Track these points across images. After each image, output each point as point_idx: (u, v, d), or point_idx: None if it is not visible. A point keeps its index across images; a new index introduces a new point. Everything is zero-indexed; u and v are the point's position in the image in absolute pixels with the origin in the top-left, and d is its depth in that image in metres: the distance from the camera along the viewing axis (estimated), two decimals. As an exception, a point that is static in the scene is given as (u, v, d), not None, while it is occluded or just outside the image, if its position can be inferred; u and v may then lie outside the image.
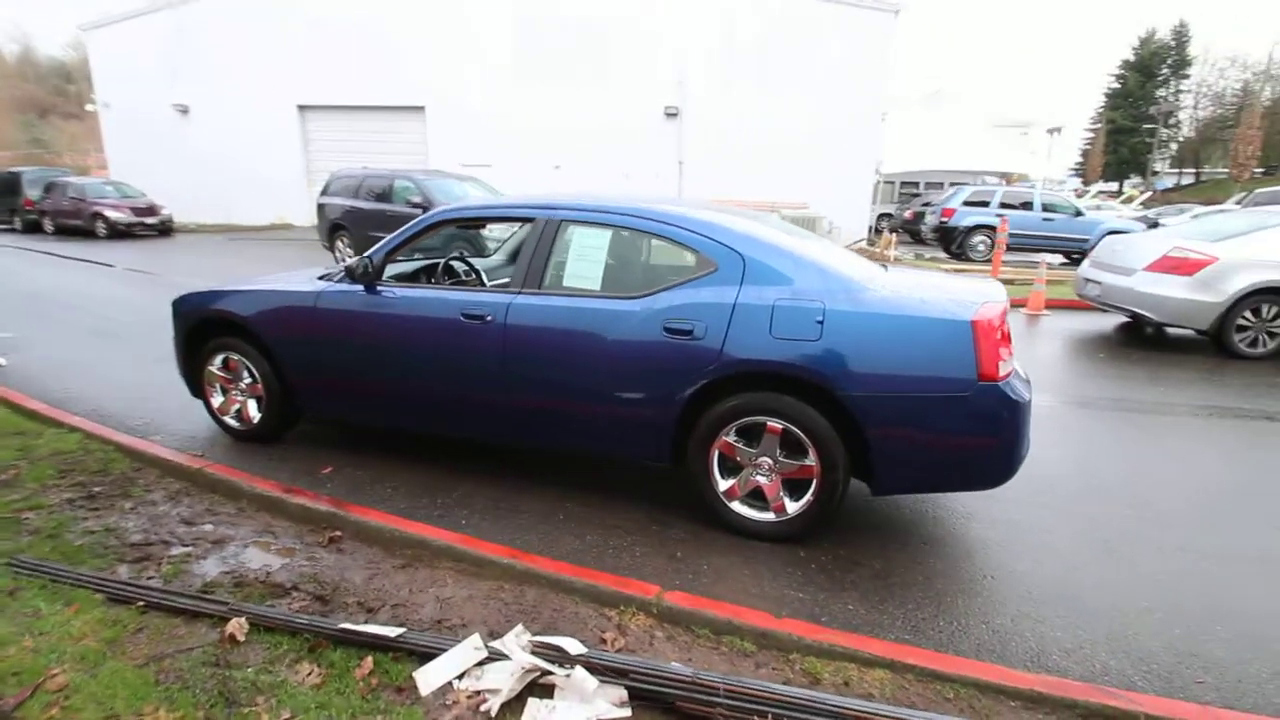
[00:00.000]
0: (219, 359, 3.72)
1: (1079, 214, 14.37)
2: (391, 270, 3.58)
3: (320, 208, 11.61)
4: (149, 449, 3.48)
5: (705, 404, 2.78)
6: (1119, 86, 67.76)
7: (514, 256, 4.70)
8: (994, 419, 2.51)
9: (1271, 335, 6.08)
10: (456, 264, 3.90)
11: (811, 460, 2.69)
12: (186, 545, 2.63)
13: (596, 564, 2.62)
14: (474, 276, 4.06)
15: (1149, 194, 37.35)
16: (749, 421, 2.73)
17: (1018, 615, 2.37)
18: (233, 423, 3.79)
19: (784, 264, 2.74)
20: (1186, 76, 65.70)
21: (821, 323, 2.58)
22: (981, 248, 14.06)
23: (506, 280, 4.48)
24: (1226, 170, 58.94)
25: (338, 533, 2.71)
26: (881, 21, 16.19)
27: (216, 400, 3.81)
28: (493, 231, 5.67)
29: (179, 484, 3.16)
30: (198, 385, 3.83)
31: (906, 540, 2.91)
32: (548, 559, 2.54)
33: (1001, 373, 2.50)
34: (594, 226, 3.02)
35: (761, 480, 2.81)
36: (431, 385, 3.20)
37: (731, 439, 2.78)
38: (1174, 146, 65.43)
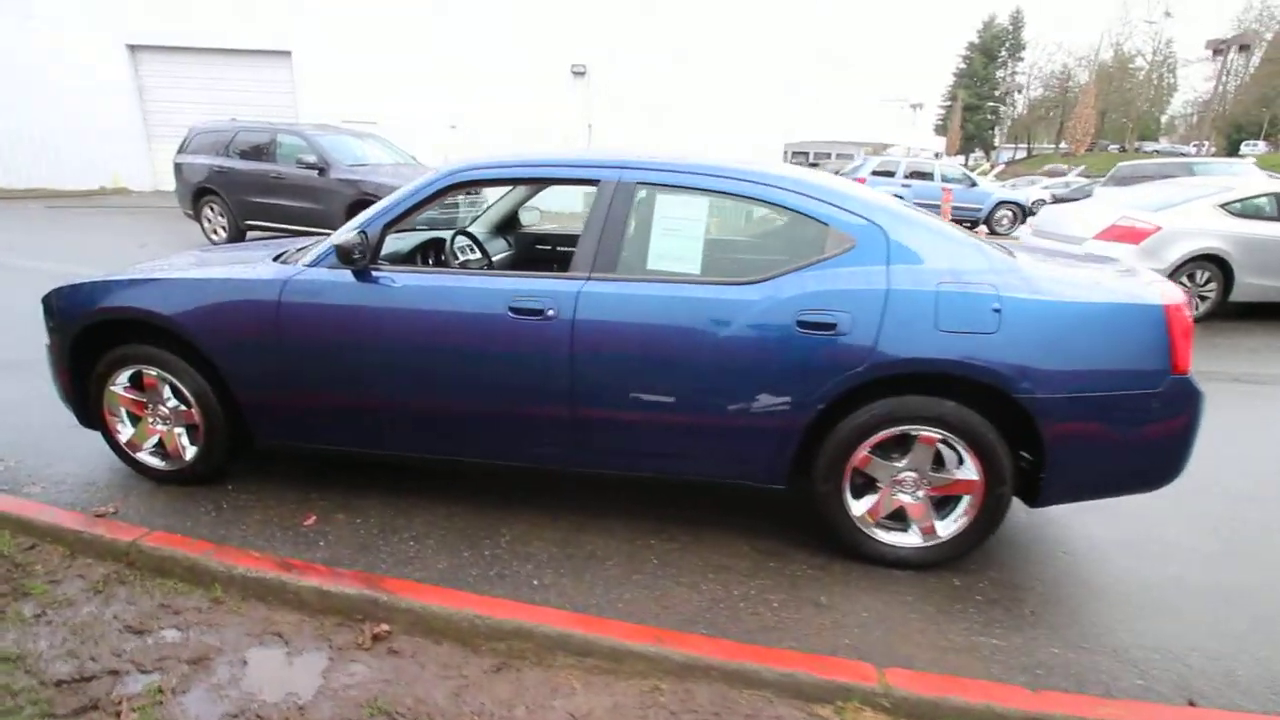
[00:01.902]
0: (125, 375, 2.67)
1: (974, 185, 15.20)
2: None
3: (178, 168, 9.65)
4: (40, 514, 2.40)
5: (841, 412, 2.26)
6: (965, 66, 73.88)
7: (501, 229, 3.90)
8: (1181, 415, 2.20)
9: (1203, 299, 6.51)
10: (454, 241, 3.05)
11: (972, 474, 2.26)
12: (149, 672, 1.73)
13: (733, 623, 2.05)
14: (479, 256, 3.24)
15: (1000, 167, 41.04)
16: (896, 432, 2.25)
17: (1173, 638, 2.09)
18: (152, 461, 2.77)
19: (929, 239, 2.25)
20: (1022, 59, 72.62)
21: (999, 311, 2.12)
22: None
23: (502, 252, 3.68)
24: (1052, 146, 66.39)
25: (384, 627, 1.91)
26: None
27: (124, 432, 2.76)
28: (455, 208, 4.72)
29: (104, 567, 2.16)
30: (92, 411, 2.75)
31: (1040, 550, 2.58)
32: (708, 638, 1.92)
33: (1190, 364, 2.18)
34: (685, 192, 2.36)
35: (905, 499, 2.35)
36: (462, 400, 2.42)
37: (868, 452, 2.29)
38: (1008, 123, 72.58)
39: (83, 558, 2.21)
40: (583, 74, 16.12)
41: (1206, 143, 40.37)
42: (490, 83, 15.85)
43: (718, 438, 2.33)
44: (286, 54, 16.16)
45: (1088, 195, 16.64)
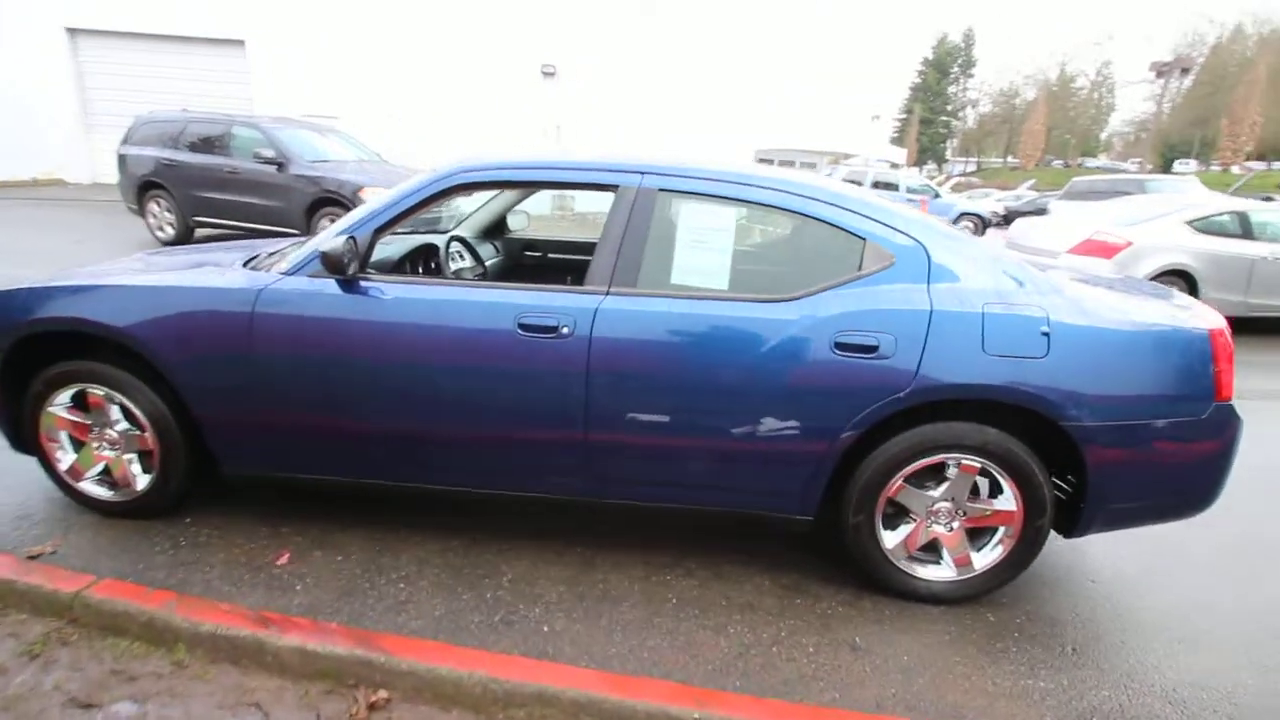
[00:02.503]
0: (66, 395, 2.34)
1: (937, 195, 15.51)
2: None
3: (122, 160, 9.01)
4: (-44, 557, 2.06)
5: (876, 440, 2.11)
6: (920, 81, 76.23)
7: (488, 235, 3.65)
8: (1222, 441, 2.12)
9: (1170, 314, 6.66)
10: (449, 248, 2.81)
11: (1010, 504, 2.14)
12: (99, 760, 1.46)
13: (768, 672, 1.88)
14: (471, 263, 3.00)
15: (956, 179, 42.33)
16: (934, 461, 2.11)
17: None
18: (98, 491, 2.44)
19: (971, 258, 2.12)
20: (973, 76, 75.32)
21: (1047, 335, 2.00)
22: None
23: (489, 259, 3.41)
24: (1000, 160, 68.96)
25: (381, 694, 1.66)
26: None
27: (64, 459, 2.42)
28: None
29: (42, 624, 1.84)
30: (27, 435, 2.41)
31: (1067, 579, 2.49)
32: (753, 699, 1.72)
33: (1233, 391, 2.11)
34: (712, 201, 2.17)
35: (939, 531, 2.21)
36: (463, 425, 2.18)
37: (902, 482, 2.15)
38: (960, 137, 75.19)
39: (15, 613, 1.88)
40: (552, 74, 15.86)
41: (1142, 160, 42.43)
42: (458, 81, 15.45)
43: (746, 466, 2.15)
44: (240, 43, 15.41)
45: (1041, 210, 17.17)
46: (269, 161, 7.99)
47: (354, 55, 15.40)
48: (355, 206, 7.57)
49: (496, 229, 3.72)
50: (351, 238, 2.14)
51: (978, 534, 2.24)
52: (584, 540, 2.50)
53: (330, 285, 2.19)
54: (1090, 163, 59.16)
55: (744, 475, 2.17)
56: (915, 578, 2.23)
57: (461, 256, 3.11)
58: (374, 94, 15.40)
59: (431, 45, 15.41)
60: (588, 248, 3.94)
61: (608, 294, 2.11)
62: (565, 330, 2.07)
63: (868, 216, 2.13)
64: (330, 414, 2.22)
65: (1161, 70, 28.99)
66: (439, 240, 3.03)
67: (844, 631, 2.10)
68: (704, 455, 2.15)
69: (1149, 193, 13.11)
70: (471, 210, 3.69)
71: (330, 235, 2.25)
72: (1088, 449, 2.04)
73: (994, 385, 1.99)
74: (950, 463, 2.12)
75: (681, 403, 2.09)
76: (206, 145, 8.56)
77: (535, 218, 4.11)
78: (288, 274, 2.24)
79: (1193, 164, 48.58)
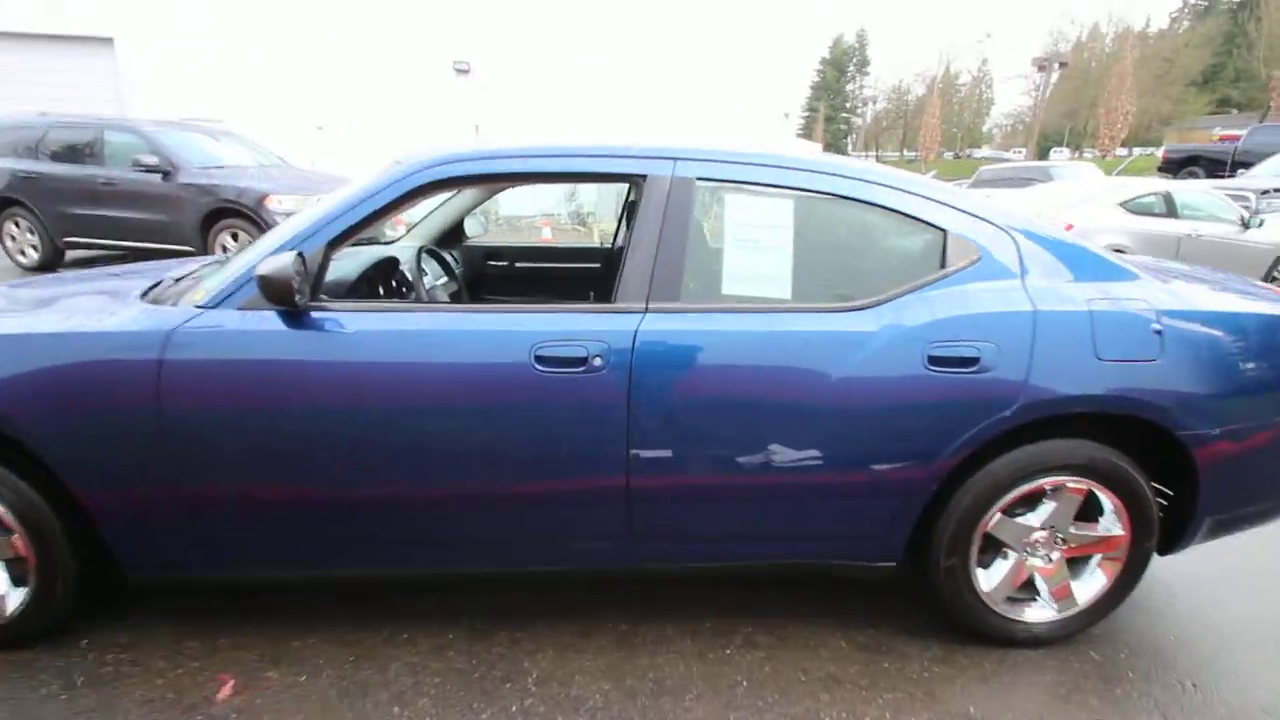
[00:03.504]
0: (-115, 488, 1.67)
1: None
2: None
3: (-35, 174, 7.68)
4: None
5: (970, 467, 1.78)
6: (819, 79, 79.38)
7: (445, 242, 3.11)
8: (1325, 439, 1.93)
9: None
10: (420, 262, 2.27)
11: (1117, 528, 1.86)
12: None
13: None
14: (445, 279, 2.46)
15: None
16: (1036, 487, 1.80)
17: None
18: (-54, 618, 1.77)
19: (1059, 248, 1.83)
20: (868, 74, 79.16)
21: (1160, 333, 1.73)
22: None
23: (442, 276, 2.84)
24: (898, 153, 72.78)
25: None
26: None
27: (-111, 576, 1.74)
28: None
29: None
30: None
31: (1144, 596, 2.26)
32: None
33: (1334, 380, 1.92)
34: (763, 191, 1.77)
35: (1037, 564, 1.91)
36: (462, 489, 1.69)
37: (999, 513, 1.83)
38: (860, 133, 78.89)
39: None
40: (466, 71, 15.08)
41: (1024, 150, 45.70)
42: (363, 80, 14.39)
43: (821, 509, 1.77)
44: (108, 41, 13.73)
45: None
46: (152, 169, 6.97)
47: (243, 54, 14.05)
48: (260, 216, 6.84)
49: (452, 236, 3.18)
50: (299, 255, 1.60)
51: (1074, 564, 1.95)
52: (613, 612, 2.05)
53: (271, 319, 1.64)
54: (977, 153, 63.32)
55: (818, 520, 1.79)
56: (1014, 621, 1.92)
57: (428, 271, 2.57)
58: (269, 96, 14.11)
59: (333, 41, 14.28)
60: (561, 254, 3.50)
61: (646, 311, 1.67)
62: (597, 361, 1.62)
63: (944, 203, 1.80)
64: (279, 486, 1.67)
65: (1042, 65, 31.31)
66: (404, 251, 2.49)
67: (953, 699, 1.75)
68: (771, 500, 1.76)
69: (1054, 179, 13.83)
70: (420, 216, 3.15)
71: (266, 252, 1.69)
72: (1200, 457, 1.79)
73: (1108, 395, 1.70)
74: (1050, 486, 1.82)
75: (745, 440, 1.68)
76: (74, 153, 7.40)
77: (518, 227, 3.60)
78: (208, 306, 1.67)
79: (1065, 152, 52.84)
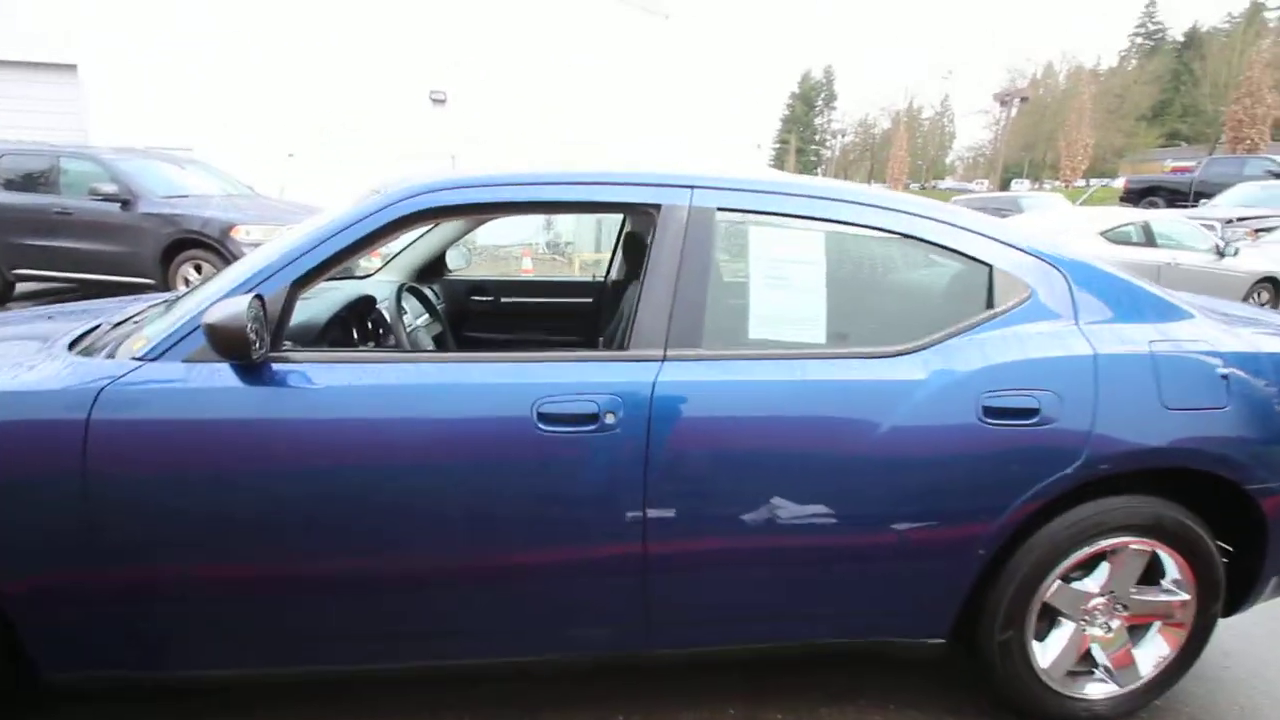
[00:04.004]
0: None
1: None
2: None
3: (-92, 202, 7.23)
4: None
5: (1026, 530, 1.59)
6: (789, 113, 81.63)
7: (425, 276, 2.88)
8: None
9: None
10: (400, 301, 2.04)
11: (1183, 592, 1.68)
12: None
13: None
14: (431, 323, 2.23)
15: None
16: (1097, 550, 1.62)
17: None
18: None
19: (1114, 284, 1.68)
20: (835, 108, 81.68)
21: (1226, 379, 1.57)
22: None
23: (421, 315, 2.58)
24: (866, 184, 74.84)
25: None
26: (651, 25, 16.14)
27: None
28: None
29: None
30: None
31: (1200, 664, 2.08)
32: None
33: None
34: (790, 223, 1.59)
35: (1097, 634, 1.71)
36: (449, 569, 1.44)
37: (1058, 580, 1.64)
38: (829, 166, 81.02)
39: None
40: (443, 102, 14.96)
41: (987, 181, 47.18)
42: (336, 107, 14.17)
43: (865, 580, 1.57)
44: (71, 68, 13.34)
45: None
46: (111, 198, 6.63)
47: (212, 83, 13.75)
48: (226, 248, 6.53)
49: (433, 269, 2.95)
50: (258, 297, 1.36)
51: (1133, 632, 1.76)
52: (619, 700, 1.79)
53: (223, 374, 1.39)
54: (941, 185, 65.23)
55: (861, 591, 1.58)
56: (1074, 699, 1.71)
57: (408, 310, 2.31)
58: (239, 125, 13.80)
59: (306, 71, 14.07)
60: (551, 288, 3.28)
61: (664, 359, 1.46)
62: (610, 418, 1.40)
63: (987, 236, 1.63)
64: (230, 567, 1.41)
65: (1004, 100, 32.48)
66: (381, 286, 2.25)
67: (1017, 798, 1.53)
68: (809, 571, 1.54)
69: (1024, 210, 14.12)
70: (398, 248, 2.91)
71: (219, 294, 1.45)
72: (1270, 511, 1.62)
73: (1177, 448, 1.53)
74: (1111, 548, 1.63)
75: (779, 505, 1.47)
76: (27, 182, 7.03)
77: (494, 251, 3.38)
78: (147, 359, 1.41)
79: (1026, 183, 54.70)
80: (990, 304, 1.59)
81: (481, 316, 2.96)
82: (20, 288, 7.14)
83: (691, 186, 1.57)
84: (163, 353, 1.41)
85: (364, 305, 2.09)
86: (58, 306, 2.27)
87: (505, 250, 11.65)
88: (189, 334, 1.42)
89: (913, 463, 1.48)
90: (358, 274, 2.77)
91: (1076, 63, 54.24)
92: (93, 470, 1.34)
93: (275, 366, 1.41)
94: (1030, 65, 58.15)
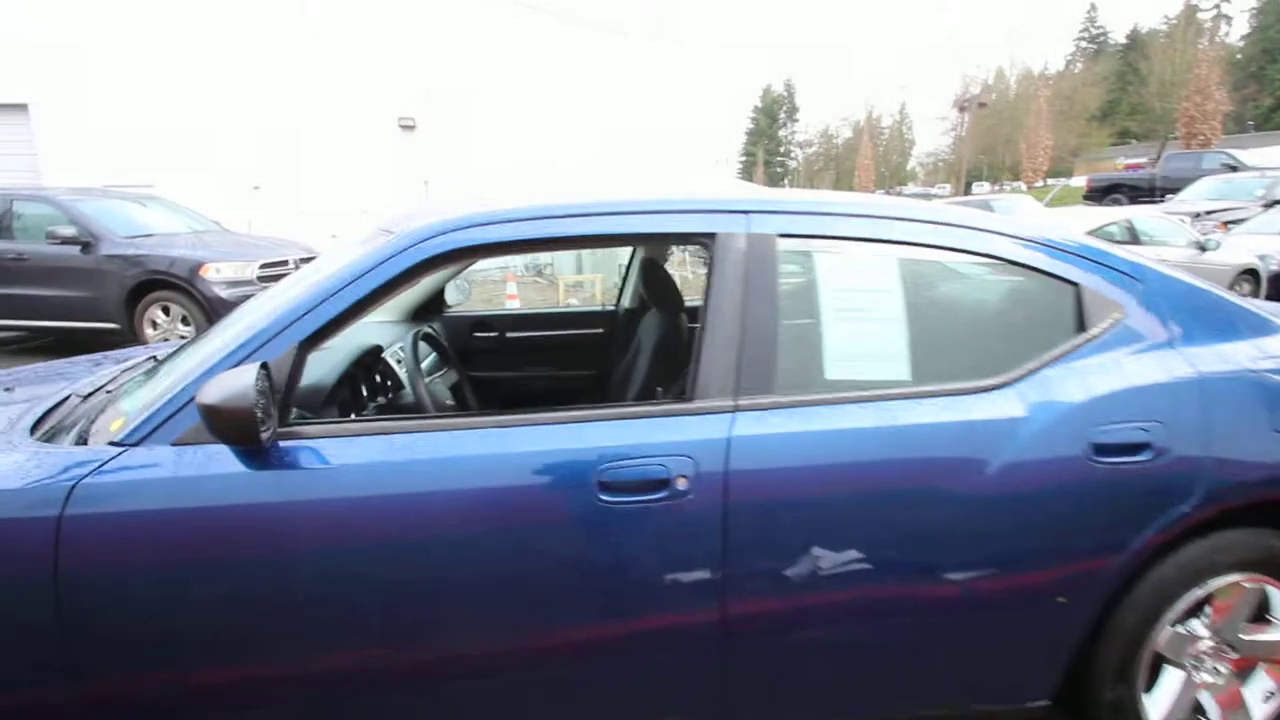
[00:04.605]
0: None
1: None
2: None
3: None
4: None
5: (1139, 572, 1.43)
6: (753, 126, 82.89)
7: (422, 314, 2.67)
8: None
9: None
10: (416, 350, 1.83)
11: (1298, 630, 1.54)
12: None
13: None
14: (447, 372, 2.03)
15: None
16: (1211, 590, 1.47)
17: None
18: None
19: (1203, 299, 1.55)
20: (798, 120, 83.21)
21: (1337, 395, 1.45)
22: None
23: (429, 354, 2.33)
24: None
25: None
26: (611, 44, 16.16)
27: None
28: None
29: None
30: None
31: None
32: None
33: None
34: (860, 246, 1.43)
35: (1207, 681, 1.56)
36: (502, 668, 1.24)
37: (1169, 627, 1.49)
38: (795, 176, 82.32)
39: None
40: (411, 128, 14.74)
41: (948, 185, 48.23)
42: (303, 138, 13.86)
43: (968, 639, 1.39)
44: (21, 107, 12.86)
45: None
46: (70, 241, 6.29)
47: (174, 118, 13.36)
48: (195, 288, 6.20)
49: (431, 306, 2.75)
50: (262, 368, 1.15)
51: (1239, 674, 1.61)
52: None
53: (223, 458, 1.17)
54: (905, 191, 66.64)
55: (964, 652, 1.41)
56: (1188, 755, 1.56)
57: (421, 360, 2.09)
58: (202, 160, 13.41)
59: (271, 100, 13.76)
60: (558, 320, 3.08)
61: (736, 410, 1.28)
62: (682, 483, 1.21)
63: (1070, 251, 1.49)
64: (231, 672, 1.19)
65: (963, 106, 33.29)
66: (382, 330, 2.03)
67: None
68: (905, 634, 1.36)
69: (995, 211, 14.35)
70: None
71: (210, 362, 1.23)
72: (1384, 541, 1.49)
73: (1295, 476, 1.39)
74: (1222, 588, 1.48)
75: (872, 567, 1.30)
76: (-22, 227, 6.64)
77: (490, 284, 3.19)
78: (128, 443, 1.19)
79: (986, 185, 55.99)
80: (1081, 326, 1.44)
81: (488, 355, 2.76)
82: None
83: (747, 211, 1.41)
84: (146, 435, 1.19)
85: (371, 355, 1.88)
86: (17, 370, 2.02)
87: (484, 275, 11.42)
88: (178, 411, 1.20)
89: (1020, 510, 1.32)
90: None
91: (1025, 67, 55.98)
92: (65, 576, 1.12)
93: (285, 445, 1.19)
94: (980, 71, 59.89)
